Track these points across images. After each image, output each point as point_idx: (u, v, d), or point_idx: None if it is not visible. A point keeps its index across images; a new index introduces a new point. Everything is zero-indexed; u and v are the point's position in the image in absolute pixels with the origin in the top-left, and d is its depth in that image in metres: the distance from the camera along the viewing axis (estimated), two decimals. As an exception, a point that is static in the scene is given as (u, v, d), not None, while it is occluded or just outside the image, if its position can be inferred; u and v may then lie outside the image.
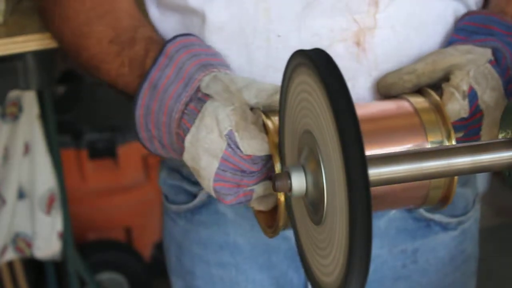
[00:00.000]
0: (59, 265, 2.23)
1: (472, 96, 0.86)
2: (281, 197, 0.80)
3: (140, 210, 2.48)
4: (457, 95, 0.86)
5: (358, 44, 0.93)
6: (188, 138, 0.83)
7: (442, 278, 1.09)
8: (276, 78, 0.94)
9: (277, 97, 0.81)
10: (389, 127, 0.84)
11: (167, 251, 1.17)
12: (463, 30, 0.94)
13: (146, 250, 2.54)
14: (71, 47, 1.01)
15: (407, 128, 0.83)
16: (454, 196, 1.04)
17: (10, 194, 2.05)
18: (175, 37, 0.91)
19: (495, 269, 2.70)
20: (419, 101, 0.86)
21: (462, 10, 0.99)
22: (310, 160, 0.69)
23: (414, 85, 0.88)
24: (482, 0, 1.02)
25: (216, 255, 1.08)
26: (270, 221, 0.86)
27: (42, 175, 2.06)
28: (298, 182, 0.70)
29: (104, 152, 2.47)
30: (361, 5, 0.93)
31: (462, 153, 0.70)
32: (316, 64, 0.65)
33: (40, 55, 1.67)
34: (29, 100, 2.01)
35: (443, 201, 0.87)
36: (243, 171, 0.81)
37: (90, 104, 2.42)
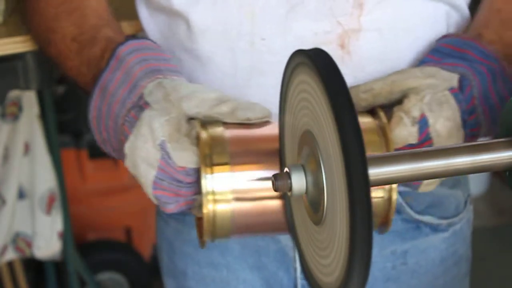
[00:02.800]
0: (59, 265, 2.23)
1: (423, 123, 0.84)
2: (205, 209, 0.80)
3: (140, 210, 2.48)
4: (406, 120, 0.84)
5: (342, 46, 0.93)
6: (127, 146, 0.83)
7: (433, 279, 1.08)
8: (261, 81, 0.94)
9: (221, 108, 0.81)
10: None
11: (160, 252, 1.17)
12: (438, 52, 0.92)
13: (146, 250, 2.54)
14: (40, 41, 1.02)
15: None
16: (444, 198, 1.04)
17: (10, 194, 2.05)
18: (128, 39, 0.91)
19: (495, 269, 2.70)
20: (366, 122, 0.84)
21: (454, 14, 0.98)
22: (310, 160, 0.69)
23: (369, 104, 0.87)
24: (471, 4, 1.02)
25: (207, 255, 1.08)
26: (200, 231, 0.86)
27: (42, 175, 2.06)
28: (298, 182, 0.70)
29: (104, 152, 2.46)
30: (345, 8, 0.92)
31: (462, 153, 0.70)
32: (316, 64, 0.65)
33: (40, 55, 1.66)
34: (29, 100, 2.01)
35: (382, 227, 0.86)
36: (179, 181, 0.81)
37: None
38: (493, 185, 3.24)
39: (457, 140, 0.85)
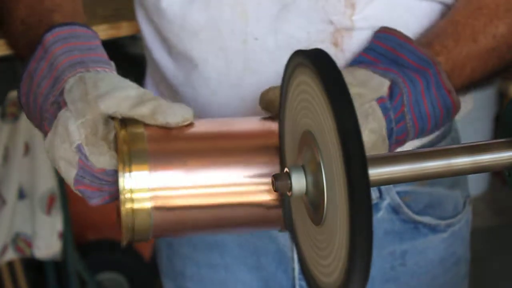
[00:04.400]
0: (59, 265, 2.23)
1: None
2: (123, 208, 0.79)
3: (140, 210, 2.47)
4: None
5: (335, 45, 0.93)
6: (46, 143, 0.82)
7: (432, 280, 1.08)
8: (253, 80, 0.94)
9: (141, 109, 0.79)
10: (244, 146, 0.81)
11: (158, 253, 1.17)
12: (373, 51, 0.89)
13: (146, 250, 2.54)
14: (1, 24, 0.99)
15: (262, 148, 0.80)
16: (443, 199, 1.04)
17: (10, 194, 2.05)
18: (55, 26, 0.87)
19: (495, 269, 2.70)
20: None
21: (447, 12, 0.98)
22: (310, 160, 0.69)
23: None
24: None
25: (205, 256, 1.08)
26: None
27: (42, 175, 2.06)
28: (298, 182, 0.70)
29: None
30: (337, 7, 0.92)
31: (462, 153, 0.70)
32: (316, 64, 0.65)
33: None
34: (29, 100, 2.01)
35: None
36: (100, 179, 0.81)
37: (90, 104, 2.42)
38: (493, 185, 3.24)
39: (381, 150, 0.83)
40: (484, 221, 3.03)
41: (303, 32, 0.92)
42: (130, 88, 0.80)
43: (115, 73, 0.85)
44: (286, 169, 0.71)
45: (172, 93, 1.03)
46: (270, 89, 0.84)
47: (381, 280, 1.06)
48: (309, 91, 0.68)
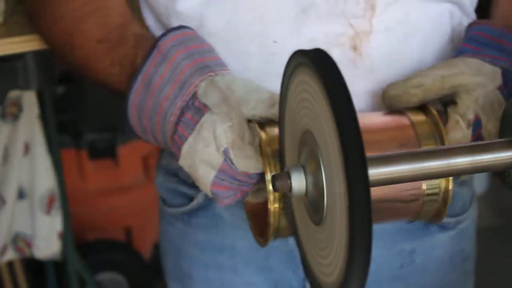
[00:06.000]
0: (59, 265, 2.23)
1: (476, 124, 0.85)
2: (272, 207, 0.80)
3: (140, 210, 2.48)
4: (461, 123, 0.85)
5: (355, 48, 0.93)
6: (186, 147, 0.83)
7: (440, 278, 1.08)
8: (272, 83, 0.94)
9: (276, 109, 0.81)
10: (382, 139, 0.83)
11: (164, 255, 1.16)
12: (474, 41, 0.92)
13: (146, 250, 2.54)
14: (61, 47, 0.99)
15: (399, 139, 0.83)
16: (453, 196, 1.04)
17: (10, 194, 2.05)
18: (169, 30, 0.90)
19: (495, 269, 2.70)
20: (420, 119, 0.85)
21: (457, 12, 0.98)
22: (310, 160, 0.69)
23: (420, 100, 0.86)
24: (477, 1, 1.01)
25: (214, 258, 1.07)
26: (261, 229, 0.86)
27: (42, 175, 2.06)
28: (298, 182, 0.70)
29: (104, 152, 2.47)
30: (356, 10, 0.92)
31: (462, 153, 0.70)
32: (316, 64, 0.65)
33: (40, 55, 1.67)
34: (29, 100, 2.01)
35: (436, 217, 0.86)
36: (240, 181, 0.82)
37: (90, 104, 2.42)
38: (493, 185, 3.24)
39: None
40: (484, 221, 3.03)
41: (322, 35, 0.92)
42: (261, 90, 0.84)
43: (234, 74, 0.88)
44: (286, 169, 0.71)
45: None
46: (390, 86, 0.88)
47: (390, 278, 1.06)
48: (309, 90, 0.68)
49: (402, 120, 0.85)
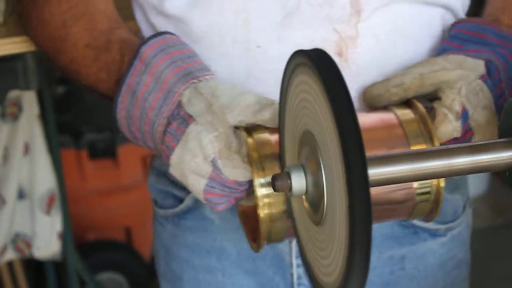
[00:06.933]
0: (59, 265, 2.23)
1: (464, 116, 0.85)
2: (261, 213, 0.80)
3: (140, 210, 2.48)
4: (450, 116, 0.84)
5: (340, 54, 0.92)
6: (174, 158, 0.83)
7: (431, 285, 1.08)
8: (256, 87, 0.93)
9: (263, 115, 0.81)
10: (371, 138, 0.82)
11: (156, 256, 1.16)
12: (457, 38, 0.92)
13: (146, 250, 2.54)
14: (49, 51, 0.99)
15: (388, 139, 0.83)
16: (443, 203, 1.04)
17: (10, 194, 2.05)
18: (149, 38, 0.89)
19: (495, 269, 2.70)
20: (406, 113, 0.85)
21: (449, 17, 0.98)
22: (310, 160, 0.69)
23: (401, 98, 0.87)
24: (468, 6, 1.01)
25: (203, 260, 1.07)
26: (254, 235, 0.85)
27: (42, 175, 2.06)
28: (298, 182, 0.70)
29: (104, 152, 2.47)
30: (342, 15, 0.92)
31: (462, 153, 0.70)
32: (316, 64, 0.65)
33: (40, 55, 1.66)
34: (29, 100, 2.01)
35: (429, 216, 0.86)
36: (231, 188, 0.82)
37: (90, 104, 2.42)
38: (493, 185, 3.24)
39: (493, 126, 0.85)
40: (485, 221, 3.03)
41: (307, 40, 0.92)
42: (247, 95, 0.83)
43: (217, 79, 0.87)
44: (286, 169, 0.71)
45: None
46: (371, 86, 0.88)
47: (381, 284, 1.05)
48: (309, 91, 0.68)
49: (390, 119, 0.85)
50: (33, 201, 2.07)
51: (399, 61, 0.94)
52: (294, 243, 1.03)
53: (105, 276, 2.43)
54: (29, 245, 2.09)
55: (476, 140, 0.85)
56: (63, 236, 2.10)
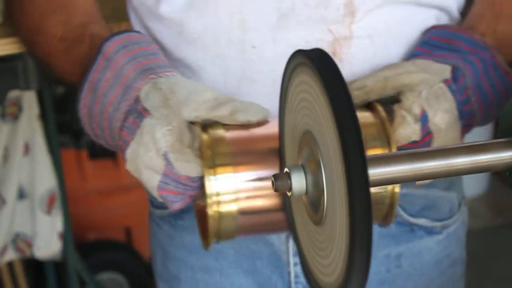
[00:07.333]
0: (59, 265, 2.23)
1: (423, 118, 0.84)
2: (210, 210, 0.79)
3: (140, 210, 2.47)
4: (409, 119, 0.84)
5: (334, 54, 0.92)
6: (129, 152, 0.82)
7: (427, 282, 1.08)
8: (251, 89, 0.94)
9: (220, 111, 0.80)
10: None
11: (153, 256, 1.16)
12: (427, 44, 0.92)
13: (146, 250, 2.54)
14: (27, 43, 0.99)
15: None
16: (438, 200, 1.04)
17: (10, 194, 2.05)
18: (113, 35, 0.88)
19: (495, 269, 2.70)
20: (366, 116, 0.84)
21: (444, 18, 0.98)
22: (310, 160, 0.69)
23: (362, 100, 0.86)
24: (464, 7, 1.01)
25: (200, 260, 1.07)
26: (205, 232, 0.85)
27: (42, 175, 2.06)
28: (298, 182, 0.70)
29: (104, 152, 2.47)
30: (336, 16, 0.92)
31: (462, 153, 0.70)
32: (316, 64, 0.65)
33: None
34: (29, 100, 2.01)
35: (384, 221, 0.85)
36: (184, 185, 0.81)
37: (90, 104, 2.42)
38: (493, 185, 3.25)
39: (455, 131, 0.85)
40: (484, 221, 3.03)
41: (301, 41, 0.92)
42: (206, 91, 0.81)
43: (180, 76, 0.86)
44: (286, 169, 0.71)
45: None
46: (357, 80, 0.87)
47: (377, 282, 1.06)
48: (309, 90, 0.68)
49: None
50: (34, 201, 2.07)
51: (393, 61, 0.94)
52: (291, 242, 1.03)
53: (105, 276, 2.44)
54: (29, 245, 2.10)
55: (435, 144, 0.85)
56: (63, 236, 2.10)
